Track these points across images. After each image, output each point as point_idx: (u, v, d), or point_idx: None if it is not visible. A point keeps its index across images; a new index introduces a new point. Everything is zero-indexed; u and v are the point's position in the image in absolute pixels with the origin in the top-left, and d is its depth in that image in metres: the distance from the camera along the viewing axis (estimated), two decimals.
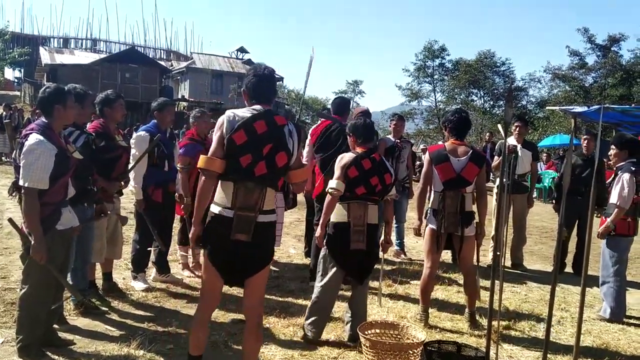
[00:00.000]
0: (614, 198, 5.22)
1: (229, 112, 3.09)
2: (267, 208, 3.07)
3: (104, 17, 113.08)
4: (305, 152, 5.74)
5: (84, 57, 38.22)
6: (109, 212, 4.61)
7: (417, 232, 5.05)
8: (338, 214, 4.25)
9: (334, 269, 4.25)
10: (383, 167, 4.31)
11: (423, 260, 7.30)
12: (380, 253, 4.69)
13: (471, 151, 4.73)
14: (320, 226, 4.30)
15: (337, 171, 4.24)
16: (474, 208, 4.83)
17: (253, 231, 3.00)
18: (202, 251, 3.15)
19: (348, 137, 4.53)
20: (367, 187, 4.21)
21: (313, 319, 4.26)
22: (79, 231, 3.96)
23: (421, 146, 27.28)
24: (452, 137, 4.81)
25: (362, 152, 4.30)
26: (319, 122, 6.01)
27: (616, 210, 5.16)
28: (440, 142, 5.10)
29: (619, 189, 5.19)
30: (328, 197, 4.21)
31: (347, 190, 4.19)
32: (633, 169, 5.27)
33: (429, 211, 4.82)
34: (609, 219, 5.20)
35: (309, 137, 5.82)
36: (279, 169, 3.11)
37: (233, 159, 3.01)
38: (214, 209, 3.08)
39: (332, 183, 4.20)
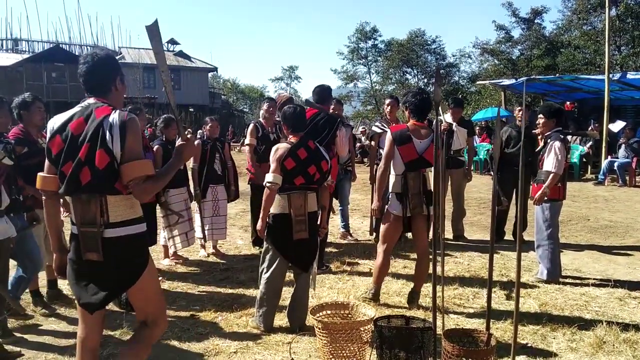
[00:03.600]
0: (548, 165, 5.43)
1: (51, 120, 2.72)
2: (116, 220, 2.62)
3: (24, 16, 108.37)
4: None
5: (5, 59, 36.33)
6: (40, 218, 4.45)
7: (378, 213, 4.90)
8: (278, 205, 4.23)
9: (278, 261, 4.27)
10: (319, 154, 4.31)
11: (369, 240, 7.45)
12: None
13: (432, 133, 4.64)
14: (261, 219, 4.27)
15: (272, 164, 4.20)
16: None
17: (103, 249, 2.59)
18: None
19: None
20: (305, 176, 4.21)
21: (262, 310, 4.29)
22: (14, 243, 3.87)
23: (360, 128, 27.52)
24: (413, 118, 4.75)
25: (296, 141, 4.27)
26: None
27: (551, 176, 5.37)
28: (400, 123, 5.03)
29: (552, 156, 5.40)
30: (266, 191, 4.16)
31: (286, 182, 4.17)
32: (562, 137, 5.53)
33: (389, 196, 4.76)
34: (544, 185, 5.42)
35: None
36: (102, 172, 2.55)
37: (58, 170, 2.63)
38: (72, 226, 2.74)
39: (269, 177, 4.15)
